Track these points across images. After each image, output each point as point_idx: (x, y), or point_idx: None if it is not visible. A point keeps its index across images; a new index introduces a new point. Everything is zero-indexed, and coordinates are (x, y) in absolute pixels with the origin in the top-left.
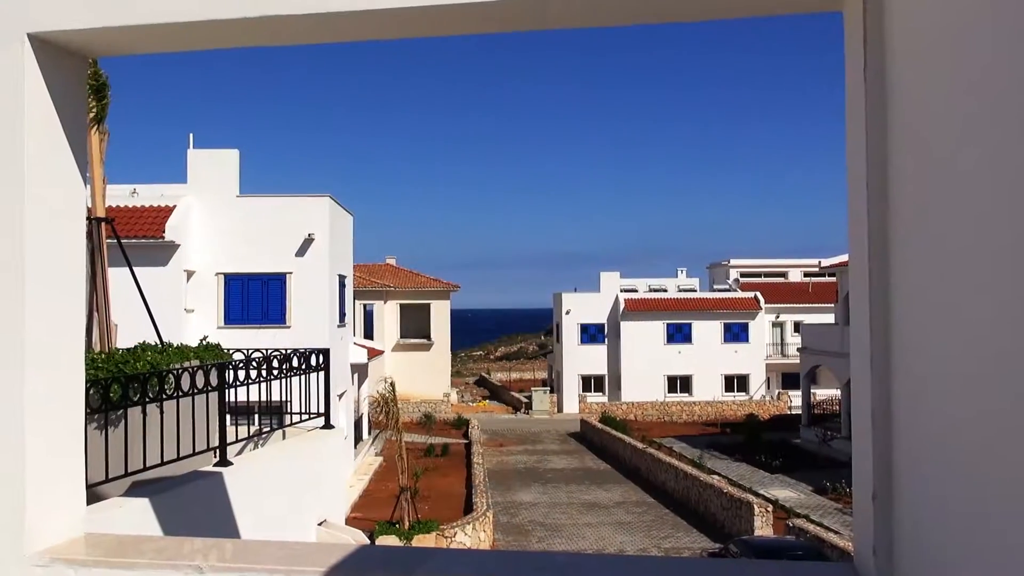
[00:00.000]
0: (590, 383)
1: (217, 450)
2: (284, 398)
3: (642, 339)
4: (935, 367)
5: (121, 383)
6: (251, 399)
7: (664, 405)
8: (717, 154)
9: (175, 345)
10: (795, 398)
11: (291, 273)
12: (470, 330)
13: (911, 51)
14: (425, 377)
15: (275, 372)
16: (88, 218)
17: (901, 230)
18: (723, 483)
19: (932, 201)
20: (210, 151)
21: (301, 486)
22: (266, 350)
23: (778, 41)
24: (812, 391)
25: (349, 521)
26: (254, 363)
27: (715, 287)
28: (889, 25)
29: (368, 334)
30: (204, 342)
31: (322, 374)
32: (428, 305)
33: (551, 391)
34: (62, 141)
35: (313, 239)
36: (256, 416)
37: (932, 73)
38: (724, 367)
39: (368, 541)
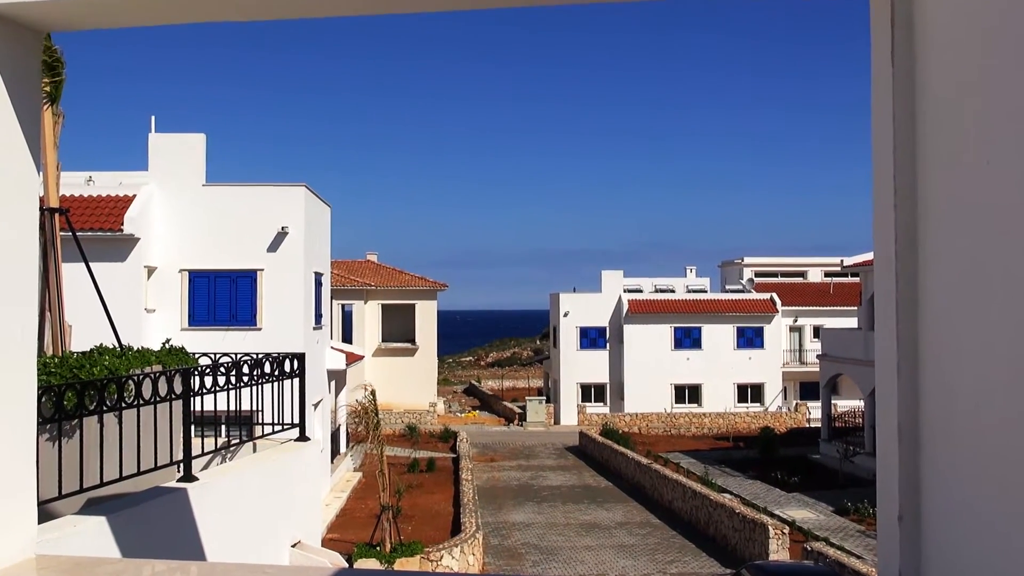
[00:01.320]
0: (590, 392)
1: (181, 464)
2: (255, 407)
3: (647, 344)
4: (968, 376)
5: (76, 390)
6: (219, 408)
7: (671, 417)
8: (730, 143)
9: (135, 349)
10: (814, 410)
11: (262, 270)
12: (459, 334)
13: (943, 33)
14: (409, 385)
15: (245, 379)
16: (40, 208)
17: (931, 227)
18: (735, 502)
19: (965, 196)
20: (173, 135)
21: (273, 504)
22: (235, 354)
23: (798, 28)
24: (833, 402)
25: (325, 542)
26: (222, 369)
27: (727, 287)
28: (919, 5)
29: (347, 337)
30: (167, 345)
31: (296, 381)
32: (413, 306)
33: (547, 401)
34: (13, 122)
35: (287, 233)
36: (224, 427)
37: (965, 58)
38: (737, 375)
39: (346, 564)
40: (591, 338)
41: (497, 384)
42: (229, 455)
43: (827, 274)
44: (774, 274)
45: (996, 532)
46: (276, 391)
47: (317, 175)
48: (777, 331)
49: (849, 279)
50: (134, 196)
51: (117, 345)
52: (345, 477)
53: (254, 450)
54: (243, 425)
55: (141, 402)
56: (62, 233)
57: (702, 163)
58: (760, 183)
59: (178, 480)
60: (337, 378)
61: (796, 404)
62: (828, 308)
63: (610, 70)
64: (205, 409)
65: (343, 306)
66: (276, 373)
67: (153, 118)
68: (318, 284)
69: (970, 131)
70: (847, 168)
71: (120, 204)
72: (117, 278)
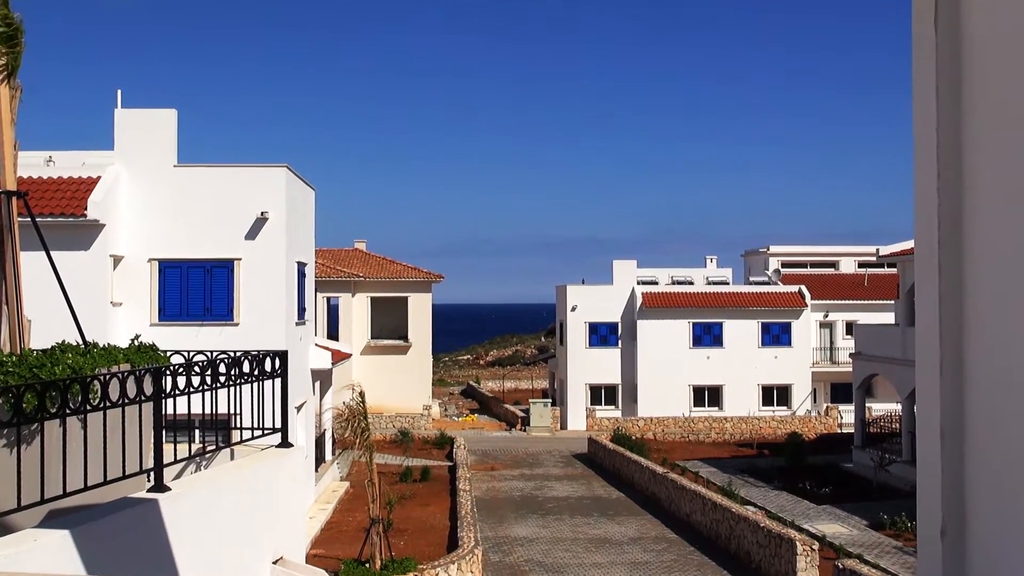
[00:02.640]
0: (600, 394)
1: (152, 473)
2: (232, 410)
3: (663, 341)
4: (1018, 375)
5: (36, 391)
6: (192, 412)
7: (689, 421)
8: (753, 122)
9: (101, 346)
10: (847, 414)
11: (240, 259)
12: (456, 330)
13: (991, 1)
14: (401, 386)
15: (221, 379)
16: None
17: (978, 212)
18: (759, 516)
19: (1016, 177)
20: (142, 111)
21: (253, 516)
22: (210, 352)
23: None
24: (867, 405)
25: (310, 559)
26: (196, 368)
27: (751, 279)
28: None
29: (333, 334)
30: (136, 342)
31: (278, 381)
32: (405, 299)
33: (553, 404)
34: None
35: (266, 218)
36: (199, 432)
37: (1017, 28)
38: (761, 376)
39: None
40: (601, 335)
41: (498, 385)
42: (204, 463)
43: (861, 264)
44: (803, 264)
45: None
46: (255, 393)
47: (300, 155)
48: (806, 327)
49: (886, 270)
50: (99, 178)
51: (81, 342)
52: (331, 487)
53: (231, 457)
54: (219, 430)
55: (107, 405)
56: (20, 219)
57: (724, 144)
58: (788, 165)
59: (148, 490)
60: (322, 378)
61: (827, 407)
62: (862, 302)
63: (615, 44)
64: (178, 412)
65: (329, 299)
66: (255, 373)
67: (119, 92)
68: (301, 275)
69: (1022, 107)
70: (884, 149)
71: (83, 187)
72: (80, 268)
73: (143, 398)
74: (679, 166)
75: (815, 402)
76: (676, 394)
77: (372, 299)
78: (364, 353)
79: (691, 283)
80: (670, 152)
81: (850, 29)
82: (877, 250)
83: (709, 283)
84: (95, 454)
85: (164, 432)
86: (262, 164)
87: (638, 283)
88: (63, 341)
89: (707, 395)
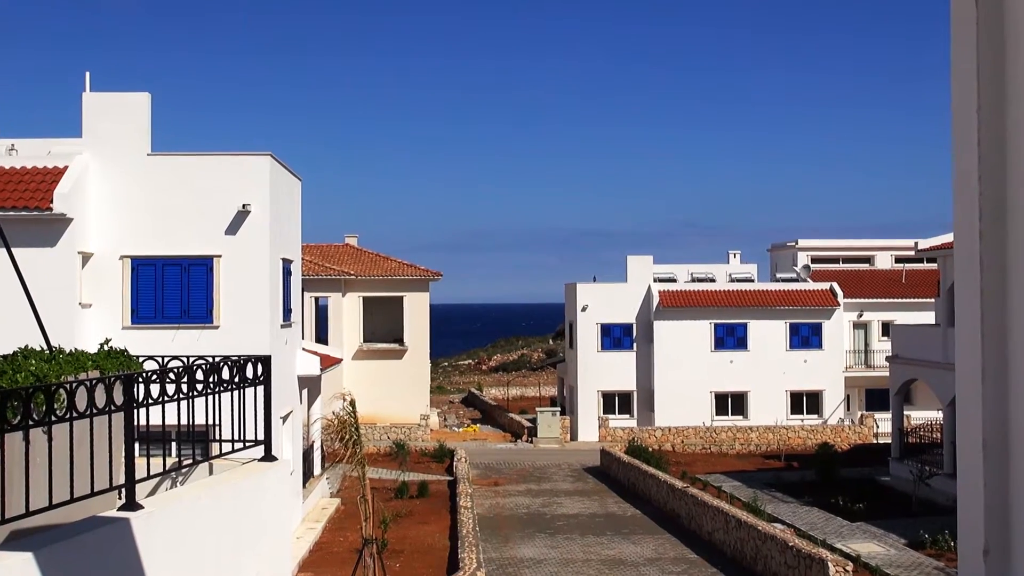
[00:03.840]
0: (613, 402)
1: (123, 490)
2: (211, 421)
3: (682, 344)
4: None
5: None
6: (168, 422)
7: (711, 431)
8: (782, 107)
9: (67, 351)
10: (883, 422)
11: (220, 256)
12: (456, 332)
13: None
14: (396, 394)
15: (199, 387)
16: None
17: (1023, 201)
18: (788, 534)
19: None
20: (112, 94)
21: (233, 537)
22: (187, 358)
23: None
24: (905, 413)
25: None
26: (171, 375)
27: (778, 276)
28: None
29: (322, 337)
30: (106, 347)
31: (261, 389)
32: (400, 299)
33: (562, 412)
34: None
35: (249, 211)
36: (174, 445)
37: None
38: (790, 381)
39: None
40: (615, 337)
41: (502, 393)
42: (181, 478)
43: (898, 260)
44: (834, 260)
45: None
46: (236, 401)
47: (285, 144)
48: (838, 328)
49: (925, 265)
50: (65, 168)
51: (46, 347)
52: (320, 504)
53: (210, 473)
54: (197, 442)
55: (74, 415)
56: None
57: (748, 129)
58: (818, 152)
59: (119, 509)
60: (310, 386)
61: (861, 416)
62: (899, 300)
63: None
64: (152, 424)
65: (317, 300)
66: (236, 380)
67: (88, 74)
68: (287, 273)
69: None
70: (921, 134)
71: (49, 177)
72: (46, 267)
73: (113, 408)
74: (699, 153)
75: (848, 410)
76: (696, 401)
77: (364, 299)
78: (356, 358)
79: (712, 280)
80: (689, 138)
81: (882, 10)
82: (916, 243)
83: (732, 280)
84: (61, 470)
85: (136, 445)
86: (244, 152)
87: (655, 280)
88: (26, 346)
89: (730, 402)
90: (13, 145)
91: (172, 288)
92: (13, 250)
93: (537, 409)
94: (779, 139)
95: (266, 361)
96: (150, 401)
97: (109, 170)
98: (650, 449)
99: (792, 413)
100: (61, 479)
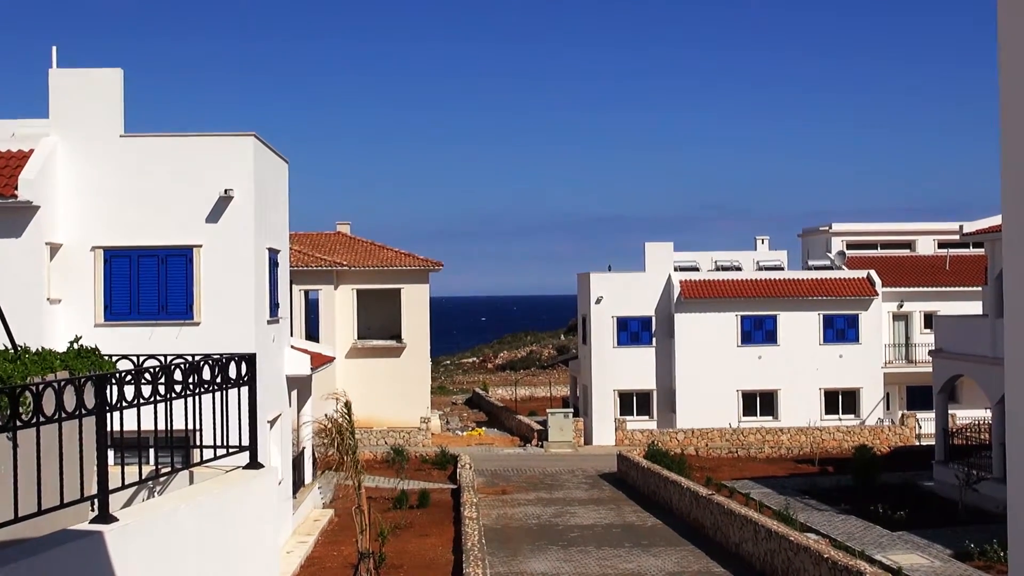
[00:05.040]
0: (631, 403)
1: (95, 501)
2: (191, 426)
3: (706, 339)
4: None
5: None
6: (144, 427)
7: (738, 434)
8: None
9: (34, 350)
10: (926, 422)
11: (200, 246)
12: (459, 327)
13: None
14: (394, 395)
15: (178, 388)
16: None
17: None
18: (823, 545)
19: None
20: (81, 71)
21: (216, 551)
22: (165, 357)
23: None
24: (951, 412)
25: None
26: (147, 375)
27: (811, 263)
28: None
29: (312, 334)
30: (76, 346)
31: (245, 391)
32: (398, 291)
33: (575, 414)
34: None
35: (231, 197)
36: (152, 452)
37: None
38: (824, 378)
39: None
40: (632, 331)
41: (509, 393)
42: (158, 488)
43: (941, 245)
44: (872, 245)
45: None
46: (219, 404)
47: (270, 124)
48: (876, 320)
49: (971, 251)
50: (31, 151)
51: (10, 346)
52: (312, 516)
53: (191, 481)
54: (176, 449)
55: (42, 420)
56: None
57: (776, 108)
58: (853, 129)
59: (91, 521)
60: (300, 387)
61: (902, 415)
62: (944, 289)
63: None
64: (126, 429)
65: (307, 293)
66: (219, 381)
67: (55, 48)
68: (273, 264)
69: None
70: (966, 111)
71: (13, 162)
72: (10, 259)
73: (84, 412)
74: (724, 132)
75: (888, 409)
76: (722, 401)
77: (358, 292)
78: (349, 356)
79: (739, 269)
80: (713, 117)
81: None
82: (961, 227)
83: (760, 269)
84: (27, 479)
85: (110, 452)
86: (225, 133)
87: (675, 269)
88: None
89: (759, 402)
90: None
91: (148, 281)
92: None
93: (548, 411)
94: (810, 118)
95: (251, 360)
96: (124, 404)
97: (78, 153)
98: (671, 453)
99: (826, 413)
100: (28, 489)
